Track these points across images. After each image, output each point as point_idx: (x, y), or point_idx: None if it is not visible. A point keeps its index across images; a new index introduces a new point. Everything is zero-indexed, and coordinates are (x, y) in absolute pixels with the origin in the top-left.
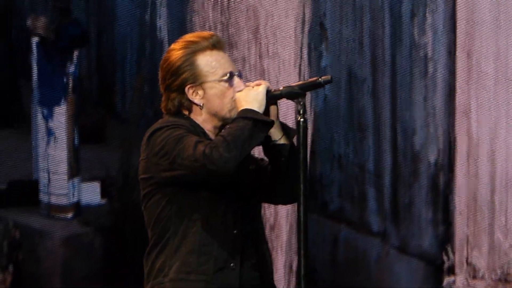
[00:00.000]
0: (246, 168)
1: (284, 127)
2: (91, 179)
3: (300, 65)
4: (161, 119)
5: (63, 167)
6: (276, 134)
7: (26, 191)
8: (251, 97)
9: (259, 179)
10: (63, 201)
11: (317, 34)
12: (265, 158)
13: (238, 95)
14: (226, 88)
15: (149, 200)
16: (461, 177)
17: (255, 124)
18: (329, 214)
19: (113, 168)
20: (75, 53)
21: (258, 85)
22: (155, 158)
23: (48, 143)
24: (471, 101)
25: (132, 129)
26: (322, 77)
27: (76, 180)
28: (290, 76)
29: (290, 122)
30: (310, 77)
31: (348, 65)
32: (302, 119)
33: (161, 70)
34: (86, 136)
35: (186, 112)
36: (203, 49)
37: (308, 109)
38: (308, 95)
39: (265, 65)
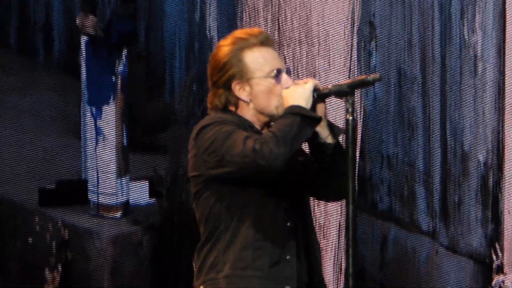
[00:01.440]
0: (295, 161)
1: (330, 126)
2: (140, 178)
3: (349, 64)
4: (208, 116)
5: (112, 167)
6: (323, 132)
7: (75, 191)
8: (298, 94)
9: (306, 173)
10: (112, 200)
11: (366, 33)
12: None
13: (284, 92)
14: (273, 85)
15: (200, 197)
16: (510, 176)
17: (303, 120)
18: (379, 213)
19: (161, 167)
20: (124, 52)
21: (305, 82)
22: (204, 155)
23: (97, 142)
24: None
25: (181, 128)
26: (371, 75)
27: (124, 179)
28: (339, 75)
29: (340, 121)
30: (359, 76)
31: (397, 64)
32: (351, 118)
33: (209, 66)
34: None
35: (233, 109)
36: (251, 46)
37: (357, 107)
38: (358, 94)
39: (315, 64)
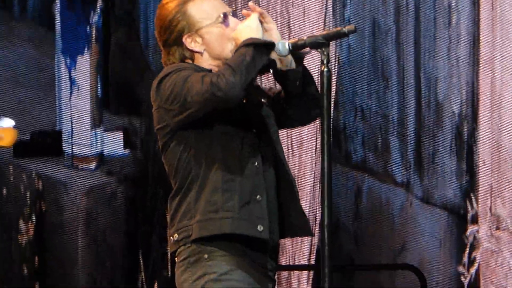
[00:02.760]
0: (257, 99)
1: (293, 52)
2: (114, 129)
3: (324, 15)
4: (166, 67)
5: (86, 118)
6: (285, 59)
7: (50, 142)
8: (246, 29)
9: (273, 108)
10: (86, 151)
11: None
12: (275, 86)
13: (233, 34)
14: (223, 29)
15: (167, 149)
16: (484, 127)
17: (255, 48)
18: (353, 164)
19: (136, 118)
20: (99, 3)
21: (248, 15)
22: (166, 105)
23: (71, 93)
24: (494, 52)
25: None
26: (346, 27)
27: (99, 130)
28: (314, 26)
29: (315, 72)
30: (334, 27)
31: (371, 15)
32: (325, 69)
33: (156, 27)
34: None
35: (190, 61)
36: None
37: (331, 59)
38: (332, 45)
39: (289, 15)
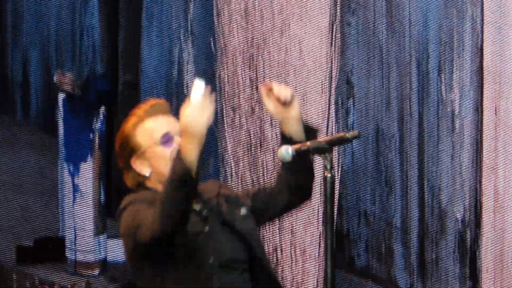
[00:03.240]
0: (219, 227)
1: (306, 130)
2: (117, 236)
3: (327, 121)
4: (126, 197)
5: (90, 224)
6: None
7: (53, 248)
8: (185, 119)
9: (254, 210)
10: (90, 258)
11: (344, 90)
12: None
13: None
14: (164, 150)
15: (136, 271)
16: (487, 234)
17: (172, 183)
18: (356, 270)
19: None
20: (102, 109)
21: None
22: (124, 238)
23: (74, 199)
24: (498, 158)
25: None
26: (350, 133)
27: (102, 237)
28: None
29: (317, 178)
30: (337, 133)
31: (375, 121)
32: (329, 175)
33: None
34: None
35: (147, 183)
36: (141, 119)
37: (335, 164)
38: (336, 151)
39: None
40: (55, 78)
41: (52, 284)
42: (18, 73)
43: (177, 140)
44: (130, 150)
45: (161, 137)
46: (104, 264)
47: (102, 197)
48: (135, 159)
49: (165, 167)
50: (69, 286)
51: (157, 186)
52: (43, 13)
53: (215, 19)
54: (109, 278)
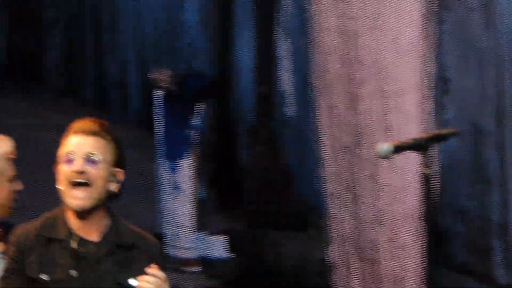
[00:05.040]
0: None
1: None
2: (218, 232)
3: (424, 118)
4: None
5: (189, 221)
6: None
7: None
8: None
9: None
10: (189, 254)
11: (440, 87)
12: None
13: None
14: (64, 168)
15: None
16: None
17: None
18: (456, 266)
19: (239, 222)
20: (199, 106)
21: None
22: None
23: (173, 196)
24: None
25: (255, 181)
26: (448, 130)
27: (202, 233)
28: (414, 130)
29: (416, 174)
30: (434, 131)
31: (472, 117)
32: (427, 171)
33: None
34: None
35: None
36: (68, 135)
37: (433, 161)
38: (433, 148)
39: (390, 118)
40: (152, 76)
41: None
42: (116, 71)
43: (78, 162)
44: (57, 159)
45: (64, 155)
46: (203, 260)
47: (201, 194)
48: (57, 170)
49: (62, 185)
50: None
51: (65, 205)
52: (140, 12)
53: (310, 16)
54: (209, 275)
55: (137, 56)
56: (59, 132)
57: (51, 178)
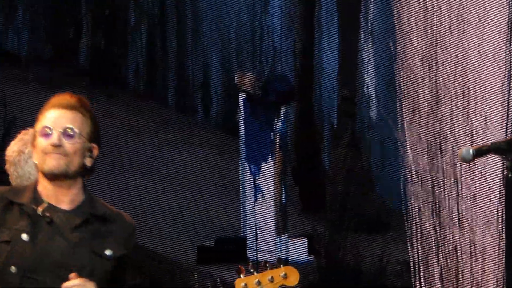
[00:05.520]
0: None
1: None
2: (298, 235)
3: (506, 121)
4: None
5: (271, 224)
6: None
7: (234, 248)
8: None
9: None
10: (271, 257)
11: None
12: None
13: None
14: (42, 140)
15: None
16: None
17: None
18: None
19: (320, 225)
20: (282, 109)
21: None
22: None
23: (255, 199)
24: None
25: (337, 183)
26: None
27: (283, 236)
28: (496, 133)
29: (497, 178)
30: None
31: None
32: (510, 175)
33: None
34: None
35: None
36: (46, 109)
37: None
38: None
39: (471, 122)
40: (235, 79)
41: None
42: (198, 74)
43: (55, 135)
44: (33, 134)
45: (42, 128)
46: (285, 264)
47: (283, 197)
48: (33, 144)
49: (37, 158)
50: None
51: (39, 177)
52: (223, 15)
53: (395, 20)
54: None
55: (219, 59)
56: (141, 135)
57: (133, 179)
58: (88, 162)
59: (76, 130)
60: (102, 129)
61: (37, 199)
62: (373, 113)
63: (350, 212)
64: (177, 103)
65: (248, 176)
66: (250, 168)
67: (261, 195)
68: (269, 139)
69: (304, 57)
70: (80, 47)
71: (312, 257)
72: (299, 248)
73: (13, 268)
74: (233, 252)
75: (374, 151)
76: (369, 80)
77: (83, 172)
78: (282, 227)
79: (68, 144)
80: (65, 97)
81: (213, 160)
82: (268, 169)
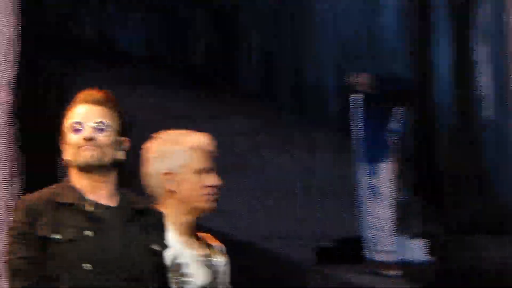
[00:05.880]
0: None
1: None
2: (417, 235)
3: None
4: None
5: (389, 225)
6: None
7: (352, 249)
8: None
9: None
10: (389, 258)
11: None
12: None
13: None
14: (70, 137)
15: None
16: None
17: None
18: None
19: (439, 226)
20: (398, 110)
21: None
22: None
23: (372, 200)
24: None
25: (455, 184)
26: None
27: (402, 237)
28: None
29: None
30: None
31: None
32: None
33: None
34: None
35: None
36: (74, 105)
37: None
38: None
39: None
40: (351, 79)
41: (351, 284)
42: (314, 74)
43: (87, 128)
44: (61, 131)
45: (72, 124)
46: (403, 264)
47: (401, 198)
48: (62, 142)
49: (69, 154)
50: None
51: (73, 174)
52: (338, 14)
53: (507, 19)
54: (408, 279)
55: (334, 59)
56: (255, 136)
57: (250, 182)
58: (120, 155)
59: (107, 123)
60: (215, 130)
61: (81, 197)
62: (489, 113)
63: (468, 213)
64: (292, 104)
65: (364, 177)
66: (366, 169)
67: (378, 196)
68: (385, 140)
69: (419, 57)
70: (194, 48)
71: (430, 258)
72: (416, 249)
73: (86, 265)
74: (351, 252)
75: (491, 152)
76: (485, 81)
77: (116, 165)
78: (399, 228)
79: (100, 137)
80: (92, 93)
81: (329, 161)
82: (385, 169)
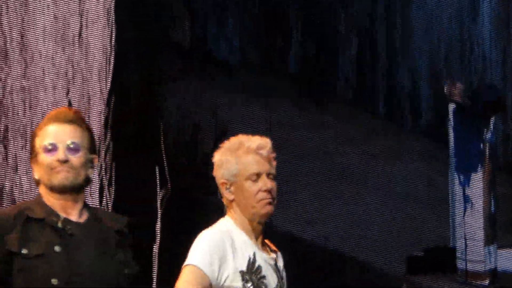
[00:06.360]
0: None
1: None
2: (508, 246)
3: None
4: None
5: (480, 234)
6: None
7: (443, 258)
8: None
9: None
10: (480, 268)
11: None
12: None
13: None
14: (47, 157)
15: None
16: None
17: None
18: None
19: None
20: (492, 119)
21: None
22: None
23: (465, 210)
24: None
25: None
26: None
27: (492, 246)
28: None
29: None
30: None
31: None
32: None
33: None
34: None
35: (40, 187)
36: (45, 123)
37: None
38: None
39: None
40: (445, 88)
41: None
42: (407, 81)
43: (61, 149)
44: (31, 150)
45: (45, 145)
46: (494, 274)
47: (492, 208)
48: (33, 160)
49: (42, 175)
50: None
51: (43, 193)
52: (432, 22)
53: None
54: None
55: (429, 68)
56: (350, 144)
57: (342, 189)
58: (91, 173)
59: (80, 143)
60: (312, 138)
61: (52, 213)
62: None
63: None
64: (386, 112)
65: (457, 186)
66: (459, 178)
67: (471, 205)
68: (478, 149)
69: None
70: (290, 55)
71: None
72: (509, 259)
73: (54, 281)
74: (442, 262)
75: None
76: None
77: (87, 184)
78: (492, 238)
79: (74, 158)
80: (61, 111)
81: (422, 169)
82: (478, 179)
